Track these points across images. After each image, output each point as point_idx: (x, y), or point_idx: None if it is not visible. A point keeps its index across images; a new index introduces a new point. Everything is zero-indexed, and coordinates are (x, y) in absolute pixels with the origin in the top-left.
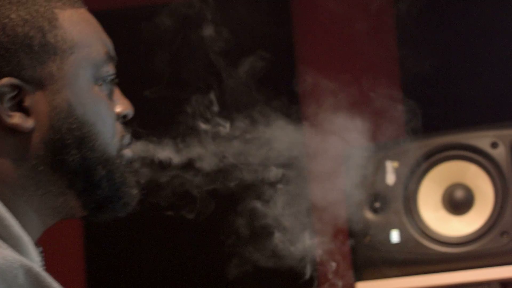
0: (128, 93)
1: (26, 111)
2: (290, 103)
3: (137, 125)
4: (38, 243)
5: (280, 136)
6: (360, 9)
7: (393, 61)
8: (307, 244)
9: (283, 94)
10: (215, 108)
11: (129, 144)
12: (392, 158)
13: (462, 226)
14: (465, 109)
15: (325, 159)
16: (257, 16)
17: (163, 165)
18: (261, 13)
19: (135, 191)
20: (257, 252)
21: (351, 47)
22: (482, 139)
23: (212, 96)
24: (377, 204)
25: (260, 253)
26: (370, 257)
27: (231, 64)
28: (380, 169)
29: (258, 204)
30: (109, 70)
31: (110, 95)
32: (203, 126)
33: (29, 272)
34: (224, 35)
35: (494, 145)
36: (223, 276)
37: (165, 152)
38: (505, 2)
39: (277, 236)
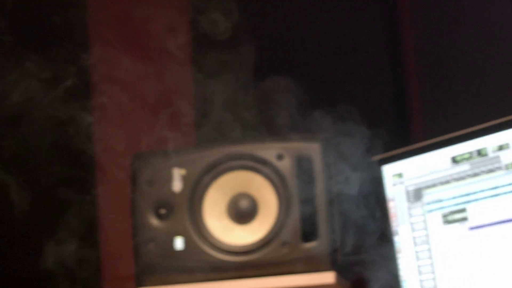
0: None
1: None
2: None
3: None
4: None
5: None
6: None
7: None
8: (90, 248)
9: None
10: None
11: None
12: (180, 166)
13: (245, 236)
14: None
15: (113, 162)
16: None
17: None
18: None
19: None
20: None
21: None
22: (268, 151)
23: None
24: (162, 211)
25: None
26: (153, 263)
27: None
28: (167, 176)
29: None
30: None
31: None
32: None
33: None
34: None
35: (279, 157)
36: None
37: None
38: None
39: (58, 238)
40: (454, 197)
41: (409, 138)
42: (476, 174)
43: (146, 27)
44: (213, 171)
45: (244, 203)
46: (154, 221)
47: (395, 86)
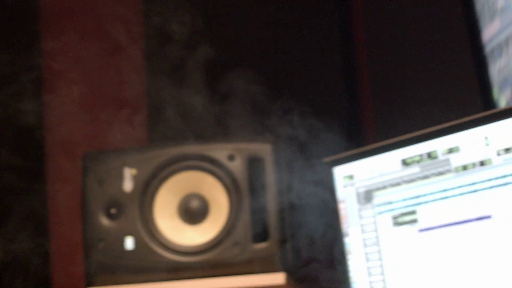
0: None
1: None
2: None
3: None
4: None
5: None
6: None
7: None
8: (39, 245)
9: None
10: None
11: None
12: (131, 165)
13: (196, 236)
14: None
15: (63, 159)
16: None
17: None
18: None
19: None
20: None
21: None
22: (219, 151)
23: None
24: (113, 211)
25: None
26: (103, 263)
27: None
28: (118, 175)
29: None
30: None
31: None
32: None
33: None
34: None
35: (231, 157)
36: None
37: None
38: None
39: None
40: (404, 199)
41: (361, 140)
42: (426, 177)
43: (99, 19)
44: (164, 171)
45: (195, 204)
46: (105, 221)
47: (347, 88)
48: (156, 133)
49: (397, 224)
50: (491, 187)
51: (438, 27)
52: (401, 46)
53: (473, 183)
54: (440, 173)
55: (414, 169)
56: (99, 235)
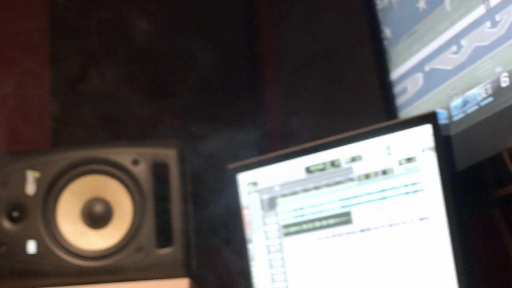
0: None
1: None
2: None
3: None
4: None
5: None
6: None
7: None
8: None
9: None
10: None
11: None
12: (34, 168)
13: (99, 241)
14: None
15: None
16: None
17: None
18: None
19: None
20: None
21: None
22: (124, 156)
23: None
24: (15, 214)
25: None
26: (5, 267)
27: None
28: (20, 178)
29: None
30: None
31: None
32: None
33: None
34: None
35: (135, 162)
36: None
37: None
38: None
39: None
40: (308, 207)
41: (265, 147)
42: (329, 185)
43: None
44: (68, 174)
45: (98, 208)
46: (7, 224)
47: (253, 92)
48: (60, 135)
49: (300, 231)
50: (393, 196)
51: (342, 34)
52: (305, 53)
53: (375, 192)
54: (343, 181)
55: (318, 177)
56: (0, 239)
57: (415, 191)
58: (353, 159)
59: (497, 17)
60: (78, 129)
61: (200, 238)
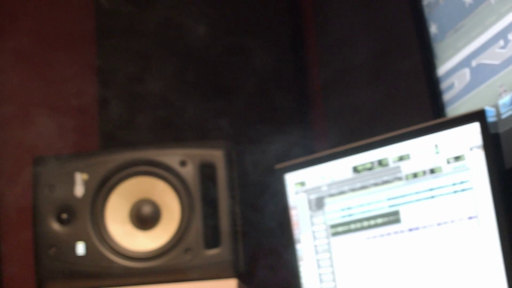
0: None
1: None
2: None
3: None
4: None
5: None
6: None
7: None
8: None
9: None
10: None
11: None
12: (82, 170)
13: (148, 242)
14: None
15: (14, 165)
16: None
17: None
18: None
19: None
20: None
21: None
22: (171, 157)
23: None
24: (64, 216)
25: None
26: (55, 268)
27: None
28: (69, 180)
29: None
30: None
31: None
32: None
33: None
34: None
35: (182, 163)
36: None
37: None
38: None
39: None
40: (355, 206)
41: (312, 147)
42: (376, 184)
43: (51, 15)
44: (116, 176)
45: (146, 209)
46: (56, 226)
47: (299, 96)
48: (108, 138)
49: (348, 231)
50: (441, 195)
51: (388, 32)
52: (351, 52)
53: (423, 191)
54: (391, 180)
55: (365, 176)
56: (50, 241)
57: (463, 190)
58: (401, 158)
59: None
60: (130, 132)
61: (247, 239)
